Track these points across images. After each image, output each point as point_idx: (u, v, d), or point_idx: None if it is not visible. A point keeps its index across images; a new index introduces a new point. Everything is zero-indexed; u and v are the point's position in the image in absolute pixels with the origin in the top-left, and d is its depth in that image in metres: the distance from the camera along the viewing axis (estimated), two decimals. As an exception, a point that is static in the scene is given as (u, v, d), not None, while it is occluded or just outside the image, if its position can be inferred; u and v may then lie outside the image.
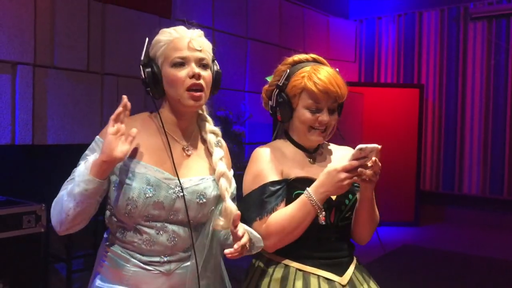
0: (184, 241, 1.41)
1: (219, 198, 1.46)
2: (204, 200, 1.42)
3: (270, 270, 1.53)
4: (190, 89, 1.39)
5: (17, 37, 3.43)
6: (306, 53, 1.63)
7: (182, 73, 1.38)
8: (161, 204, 1.36)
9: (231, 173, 1.50)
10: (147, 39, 1.45)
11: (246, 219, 1.52)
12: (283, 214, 1.46)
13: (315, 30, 6.74)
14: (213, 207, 1.46)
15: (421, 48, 6.95)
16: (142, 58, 1.43)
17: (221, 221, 1.43)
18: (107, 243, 1.44)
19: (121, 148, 1.29)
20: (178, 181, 1.38)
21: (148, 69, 1.41)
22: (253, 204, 1.50)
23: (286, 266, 1.51)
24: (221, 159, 1.48)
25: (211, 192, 1.44)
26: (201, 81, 1.39)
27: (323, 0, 6.99)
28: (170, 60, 1.39)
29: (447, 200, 6.82)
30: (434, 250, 5.25)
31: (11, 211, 2.94)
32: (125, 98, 1.33)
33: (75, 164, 1.43)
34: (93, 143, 1.42)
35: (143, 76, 1.42)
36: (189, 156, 1.46)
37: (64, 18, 3.71)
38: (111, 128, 1.30)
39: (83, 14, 3.85)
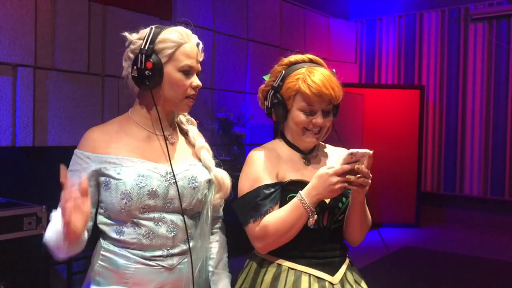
0: (184, 231, 1.43)
1: (210, 183, 1.50)
2: (196, 184, 1.45)
3: (263, 269, 1.54)
4: (189, 97, 1.45)
5: (17, 39, 3.44)
6: (303, 53, 1.62)
7: (188, 81, 1.43)
8: (155, 192, 1.37)
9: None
10: (152, 28, 1.44)
11: (241, 221, 1.54)
12: (276, 217, 1.47)
13: (316, 31, 6.74)
14: (206, 191, 1.48)
15: (422, 49, 6.95)
16: (144, 46, 1.40)
17: (217, 194, 1.50)
18: (104, 247, 1.42)
19: (82, 221, 1.23)
20: (167, 169, 1.41)
21: (154, 60, 1.39)
22: (247, 207, 1.50)
23: (279, 265, 1.52)
24: (197, 133, 1.56)
25: (202, 176, 1.48)
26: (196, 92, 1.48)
27: (324, 1, 6.99)
28: (180, 65, 1.42)
29: (448, 202, 6.81)
30: (435, 251, 5.24)
31: (11, 213, 2.94)
32: (64, 182, 1.21)
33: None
34: (75, 159, 1.41)
35: (143, 64, 1.39)
36: (172, 144, 1.49)
37: (64, 20, 3.72)
38: (66, 220, 1.19)
39: (84, 15, 3.85)
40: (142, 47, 1.40)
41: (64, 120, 3.71)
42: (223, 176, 1.51)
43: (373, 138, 6.23)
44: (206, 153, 1.52)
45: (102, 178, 1.38)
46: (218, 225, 1.60)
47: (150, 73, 1.39)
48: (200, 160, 1.52)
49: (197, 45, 1.48)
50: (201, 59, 1.48)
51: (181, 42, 1.42)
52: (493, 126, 6.43)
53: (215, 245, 1.57)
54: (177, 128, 1.56)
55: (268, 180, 1.52)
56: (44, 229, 2.96)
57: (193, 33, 1.50)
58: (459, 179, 6.66)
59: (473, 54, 6.55)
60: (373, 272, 1.66)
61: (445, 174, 6.77)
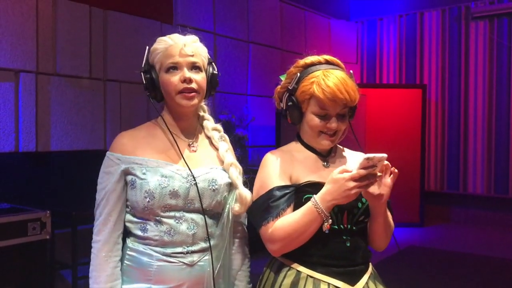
0: (204, 230, 1.49)
1: (230, 186, 1.56)
2: (216, 186, 1.52)
3: (282, 275, 1.51)
4: (182, 92, 1.48)
5: (19, 45, 3.45)
6: (319, 54, 1.59)
7: (175, 78, 1.48)
8: (176, 193, 1.45)
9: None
10: (147, 47, 1.54)
11: (254, 224, 1.53)
12: (289, 220, 1.45)
13: (317, 32, 6.74)
14: (225, 194, 1.54)
15: (423, 48, 6.94)
16: (143, 65, 1.53)
17: (237, 207, 1.54)
18: (129, 247, 1.50)
19: None
20: (188, 171, 1.48)
21: (147, 75, 1.51)
22: (260, 209, 1.49)
23: (298, 272, 1.49)
24: (227, 151, 1.61)
25: (222, 179, 1.54)
26: (193, 85, 1.49)
27: (324, 2, 7.00)
28: (164, 66, 1.49)
29: (452, 200, 6.79)
30: (440, 250, 5.23)
31: (16, 218, 2.94)
32: None
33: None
34: (107, 161, 1.51)
35: (144, 81, 1.52)
36: (195, 151, 1.57)
37: (66, 25, 3.73)
38: None
39: (85, 20, 3.86)
40: (142, 66, 1.53)
41: (67, 125, 3.72)
42: (247, 196, 1.55)
43: (376, 138, 6.22)
44: (235, 170, 1.57)
45: (129, 177, 1.47)
46: (239, 234, 1.64)
47: (147, 86, 1.52)
48: (222, 163, 1.59)
49: (186, 40, 1.51)
50: (192, 53, 1.49)
51: (166, 46, 1.50)
52: (496, 123, 6.41)
53: (237, 256, 1.62)
54: (205, 139, 1.64)
55: (280, 182, 1.50)
56: (49, 234, 2.99)
57: (187, 32, 1.55)
58: (463, 177, 6.65)
59: (474, 53, 6.55)
60: (378, 272, 1.64)
61: (449, 173, 6.76)
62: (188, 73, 1.47)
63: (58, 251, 3.55)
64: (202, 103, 1.65)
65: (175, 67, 1.48)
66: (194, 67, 1.50)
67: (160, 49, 1.50)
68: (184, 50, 1.48)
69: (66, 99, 3.73)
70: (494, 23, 6.40)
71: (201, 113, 1.66)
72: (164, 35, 1.55)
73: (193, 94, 1.48)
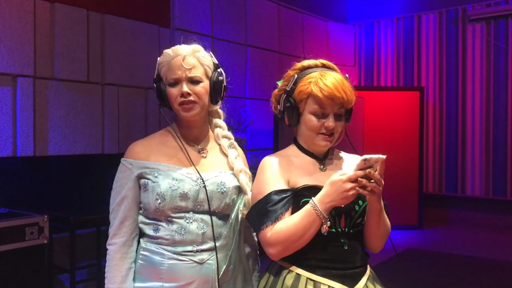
0: (214, 229, 1.56)
1: (239, 189, 1.62)
2: (225, 189, 1.58)
3: (281, 278, 1.52)
4: (181, 104, 1.56)
5: (17, 50, 3.45)
6: (316, 58, 1.63)
7: (175, 91, 1.57)
8: (186, 195, 1.52)
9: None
10: (158, 59, 1.60)
11: (252, 228, 1.57)
12: (288, 223, 1.46)
13: (314, 35, 6.76)
14: (234, 196, 1.60)
15: (420, 50, 6.96)
16: (154, 76, 1.62)
17: (245, 210, 1.60)
18: (143, 247, 1.57)
19: None
20: (198, 175, 1.55)
21: (157, 87, 1.60)
22: (258, 214, 1.50)
23: (297, 274, 1.50)
24: (236, 158, 1.66)
25: (230, 182, 1.60)
26: (191, 97, 1.56)
27: (322, 6, 7.01)
28: (167, 81, 1.58)
29: (450, 203, 6.80)
30: (439, 253, 5.23)
31: (13, 223, 2.94)
32: None
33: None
34: (121, 167, 1.59)
35: (155, 92, 1.63)
36: (205, 157, 1.64)
37: (63, 29, 3.73)
38: None
39: (82, 25, 3.87)
40: (154, 77, 1.62)
41: (65, 129, 3.72)
42: None
43: (374, 141, 6.23)
44: (244, 176, 1.63)
45: (142, 181, 1.55)
46: (251, 241, 1.70)
47: (158, 96, 1.61)
48: (232, 169, 1.65)
49: (186, 52, 1.57)
50: (189, 66, 1.55)
51: (168, 60, 1.57)
52: (493, 125, 6.42)
53: (248, 262, 1.67)
54: (216, 145, 1.70)
55: (278, 186, 1.51)
56: (46, 238, 2.99)
57: (192, 39, 1.60)
58: (461, 180, 6.66)
59: (471, 55, 6.56)
60: (377, 275, 1.65)
61: (447, 175, 6.76)
62: (186, 88, 1.54)
63: (56, 256, 3.54)
64: (217, 108, 1.70)
65: (176, 81, 1.56)
66: (194, 79, 1.56)
67: (164, 63, 1.58)
68: (183, 63, 1.54)
69: (64, 104, 3.73)
70: (491, 25, 6.42)
71: (215, 119, 1.72)
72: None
73: (191, 105, 1.55)
